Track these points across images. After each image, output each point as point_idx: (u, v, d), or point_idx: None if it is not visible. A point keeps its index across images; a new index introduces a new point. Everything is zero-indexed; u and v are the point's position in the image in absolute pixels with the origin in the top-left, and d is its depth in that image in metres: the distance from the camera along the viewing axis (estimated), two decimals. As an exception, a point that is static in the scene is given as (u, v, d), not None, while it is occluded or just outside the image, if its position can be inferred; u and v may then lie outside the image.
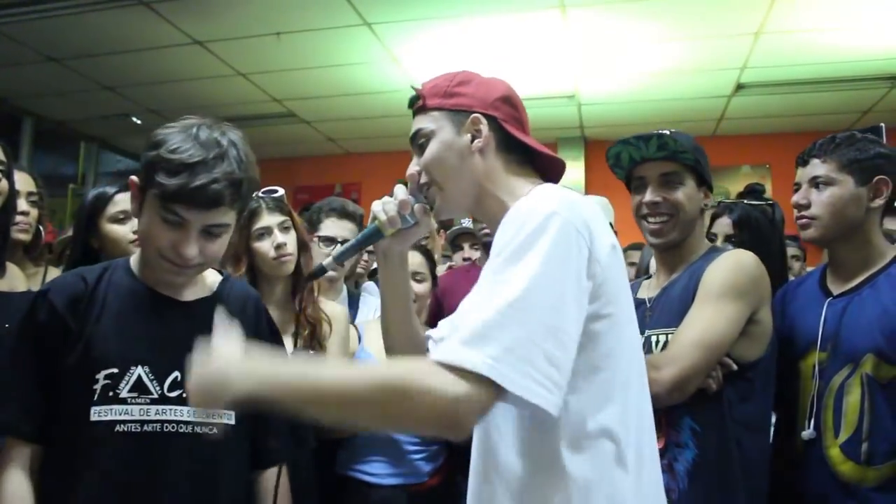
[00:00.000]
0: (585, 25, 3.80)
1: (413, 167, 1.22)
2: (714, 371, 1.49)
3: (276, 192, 2.10)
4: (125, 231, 1.98)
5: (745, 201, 2.23)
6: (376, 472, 2.07)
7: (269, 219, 2.01)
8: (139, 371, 1.29)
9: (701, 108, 4.99)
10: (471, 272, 2.55)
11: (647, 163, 1.63)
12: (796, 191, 1.69)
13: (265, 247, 1.99)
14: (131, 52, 4.22)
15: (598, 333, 1.01)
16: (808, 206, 1.64)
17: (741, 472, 1.48)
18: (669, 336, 1.53)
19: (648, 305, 1.66)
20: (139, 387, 1.28)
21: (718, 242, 2.05)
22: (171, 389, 1.30)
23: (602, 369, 1.02)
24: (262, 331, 1.48)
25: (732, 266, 1.55)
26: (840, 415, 1.53)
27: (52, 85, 4.74)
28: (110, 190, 2.03)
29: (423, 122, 1.20)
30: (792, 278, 2.15)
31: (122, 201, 2.00)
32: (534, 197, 1.05)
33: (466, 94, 1.20)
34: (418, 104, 1.22)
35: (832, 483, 1.52)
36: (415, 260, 2.24)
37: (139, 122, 5.42)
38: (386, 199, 1.23)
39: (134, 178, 1.31)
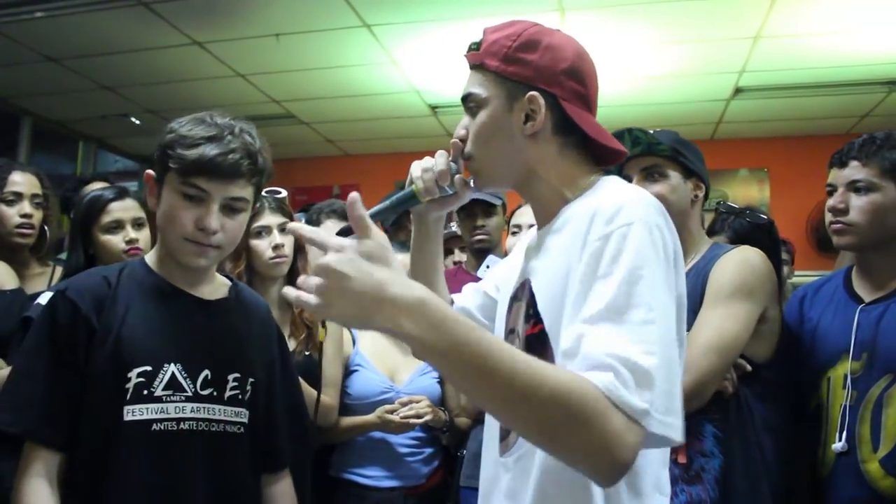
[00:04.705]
0: (584, 28, 3.80)
1: (460, 130, 1.10)
2: (729, 373, 1.46)
3: (279, 192, 2.10)
4: (118, 241, 1.97)
5: (746, 214, 2.19)
6: (373, 474, 2.07)
7: (269, 218, 2.01)
8: (172, 368, 1.27)
9: (699, 112, 4.99)
10: (458, 275, 2.56)
11: (629, 161, 1.62)
12: (830, 193, 1.59)
13: (262, 245, 1.99)
14: (130, 53, 4.21)
15: None
16: (845, 212, 1.54)
17: (765, 473, 1.45)
18: None
19: None
20: (173, 384, 1.27)
21: None
22: (203, 387, 1.30)
23: None
24: (272, 340, 1.50)
25: (739, 264, 1.51)
26: (879, 427, 1.44)
27: (51, 84, 4.73)
28: (105, 196, 2.00)
29: (476, 85, 1.08)
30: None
31: (117, 210, 1.98)
32: (624, 194, 0.97)
33: (529, 62, 1.04)
34: (474, 58, 1.09)
35: (871, 500, 1.43)
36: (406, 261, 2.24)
37: (138, 122, 5.41)
38: (426, 163, 1.14)
39: (150, 171, 1.32)
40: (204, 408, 1.29)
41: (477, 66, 1.09)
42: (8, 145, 5.19)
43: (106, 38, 4.01)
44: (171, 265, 1.35)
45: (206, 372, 1.30)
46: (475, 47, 1.09)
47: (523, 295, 1.08)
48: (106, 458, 1.21)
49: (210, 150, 1.24)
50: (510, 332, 1.11)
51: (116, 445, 1.22)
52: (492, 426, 1.13)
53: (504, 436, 1.08)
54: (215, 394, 1.31)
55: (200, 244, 1.28)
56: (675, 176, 1.59)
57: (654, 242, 0.90)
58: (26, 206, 2.14)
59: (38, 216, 2.19)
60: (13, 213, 2.11)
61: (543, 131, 1.06)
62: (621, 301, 0.85)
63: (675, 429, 0.83)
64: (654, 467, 0.98)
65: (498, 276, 1.25)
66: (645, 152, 1.59)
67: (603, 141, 1.08)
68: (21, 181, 2.15)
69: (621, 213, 0.91)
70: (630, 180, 1.60)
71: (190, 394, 1.28)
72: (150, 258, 1.39)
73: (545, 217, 1.10)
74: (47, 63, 4.38)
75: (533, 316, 1.03)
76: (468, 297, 1.31)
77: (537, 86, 1.04)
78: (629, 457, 0.79)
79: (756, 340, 1.48)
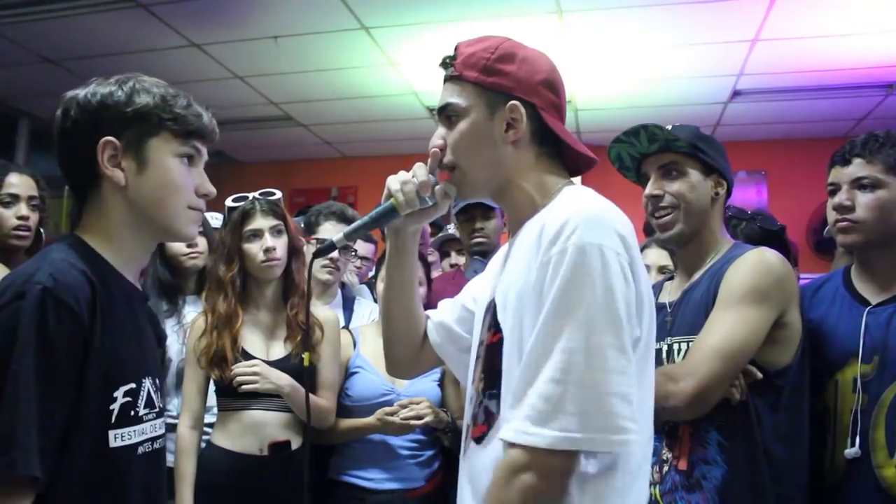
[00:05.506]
0: (582, 31, 3.81)
1: (437, 140, 1.13)
2: (737, 380, 1.39)
3: (272, 194, 2.08)
4: None
5: (757, 219, 2.18)
6: (373, 476, 2.07)
7: (261, 221, 2.00)
8: (148, 384, 1.13)
9: (697, 115, 4.99)
10: (456, 277, 2.56)
11: (646, 158, 1.58)
12: (832, 192, 1.56)
13: (254, 249, 1.98)
14: (129, 55, 4.21)
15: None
16: (851, 209, 1.51)
17: (772, 485, 1.37)
18: (691, 344, 1.43)
19: (669, 311, 1.54)
20: (150, 402, 1.13)
21: None
22: (160, 400, 1.18)
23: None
24: None
25: (754, 266, 1.42)
26: (894, 432, 1.40)
27: (49, 86, 4.70)
28: None
29: (455, 95, 1.11)
30: None
31: None
32: (570, 208, 0.99)
33: (508, 73, 1.09)
34: (451, 71, 1.12)
35: None
36: None
37: (136, 124, 5.41)
38: (404, 176, 1.14)
39: (110, 138, 1.11)
40: (161, 423, 1.17)
41: (454, 78, 1.12)
42: (6, 147, 5.18)
43: (104, 39, 4.01)
44: (128, 248, 1.14)
45: (157, 381, 1.18)
46: (450, 60, 1.13)
47: (490, 305, 1.11)
48: (98, 492, 1.03)
49: (204, 113, 1.18)
50: (480, 344, 1.13)
51: (106, 476, 1.04)
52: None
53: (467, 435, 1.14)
54: (162, 405, 1.18)
55: (201, 212, 1.18)
56: (694, 173, 1.53)
57: (588, 266, 0.93)
58: (23, 209, 2.13)
59: (34, 218, 2.18)
60: (10, 216, 2.11)
61: (523, 139, 1.10)
62: (540, 351, 0.94)
63: (598, 437, 0.90)
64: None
65: (475, 288, 1.28)
66: (662, 149, 1.54)
67: (576, 148, 1.13)
68: (17, 183, 2.15)
69: (562, 235, 0.95)
70: (648, 178, 1.57)
71: (158, 409, 1.15)
72: (91, 237, 1.14)
73: (515, 227, 1.14)
74: (45, 64, 4.37)
75: (493, 325, 1.07)
76: (446, 311, 1.32)
77: (517, 95, 1.09)
78: (549, 485, 0.92)
79: (772, 347, 1.40)
